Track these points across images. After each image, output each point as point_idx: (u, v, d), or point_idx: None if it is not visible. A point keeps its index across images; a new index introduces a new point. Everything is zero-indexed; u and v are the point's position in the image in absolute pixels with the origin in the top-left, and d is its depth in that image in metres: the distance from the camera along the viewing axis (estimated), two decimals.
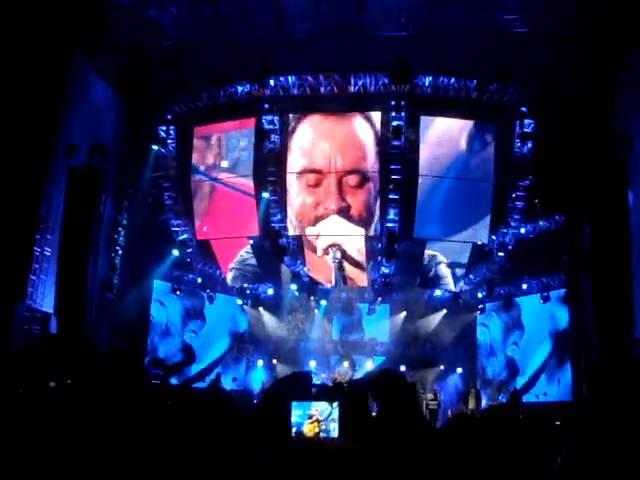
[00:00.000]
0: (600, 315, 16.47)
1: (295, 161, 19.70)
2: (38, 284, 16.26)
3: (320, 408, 3.11)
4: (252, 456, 1.66)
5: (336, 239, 19.75)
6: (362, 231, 19.52)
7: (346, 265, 20.24)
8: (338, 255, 19.77)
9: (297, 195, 19.79)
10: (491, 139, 19.31)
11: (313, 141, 19.56)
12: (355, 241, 19.87)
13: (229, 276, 21.47)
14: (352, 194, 19.09)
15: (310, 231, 19.85)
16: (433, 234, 19.75)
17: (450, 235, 19.60)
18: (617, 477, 2.51)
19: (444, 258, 20.15)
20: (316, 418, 3.10)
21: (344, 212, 19.17)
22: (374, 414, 3.04)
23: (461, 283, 20.86)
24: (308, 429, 3.13)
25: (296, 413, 3.13)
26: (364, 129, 19.29)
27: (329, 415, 3.10)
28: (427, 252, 20.04)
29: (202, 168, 20.76)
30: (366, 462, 1.58)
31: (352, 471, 1.53)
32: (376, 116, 19.33)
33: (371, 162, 19.33)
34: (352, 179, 19.10)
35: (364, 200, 19.25)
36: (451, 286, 20.79)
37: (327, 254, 19.93)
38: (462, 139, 19.29)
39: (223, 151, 20.68)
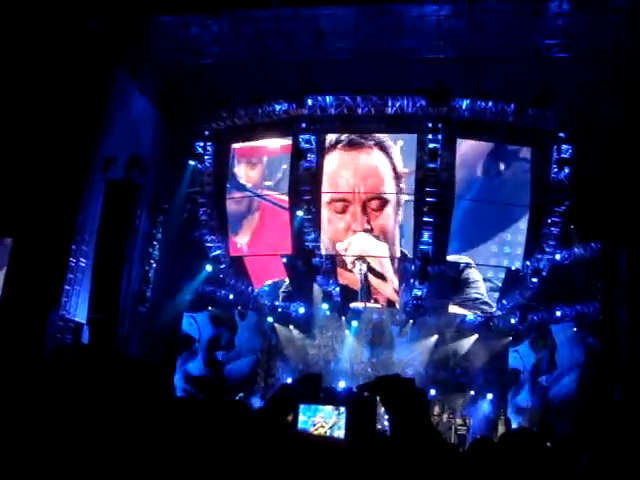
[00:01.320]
0: (635, 345, 16.18)
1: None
2: (72, 294, 16.49)
3: (324, 415, 3.08)
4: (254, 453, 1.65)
5: (361, 252, 20.40)
6: (385, 246, 20.24)
7: (370, 277, 20.65)
8: (364, 267, 20.41)
9: (328, 222, 20.43)
10: (526, 162, 19.24)
11: (336, 172, 20.26)
12: (377, 254, 20.65)
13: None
14: (374, 217, 20.18)
15: (339, 246, 20.56)
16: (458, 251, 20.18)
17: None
18: None
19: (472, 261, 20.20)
20: (320, 424, 3.08)
21: (369, 232, 20.23)
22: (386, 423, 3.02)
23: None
24: None
25: (302, 419, 3.10)
26: (380, 158, 20.02)
27: (334, 423, 3.07)
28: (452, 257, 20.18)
29: (249, 186, 21.06)
30: (362, 461, 1.57)
31: (346, 467, 1.52)
32: (393, 146, 19.94)
33: (389, 187, 20.07)
34: (374, 203, 20.14)
35: (385, 221, 20.22)
36: (482, 290, 20.56)
37: (354, 266, 20.56)
38: (480, 161, 19.72)
39: (267, 171, 20.99)
